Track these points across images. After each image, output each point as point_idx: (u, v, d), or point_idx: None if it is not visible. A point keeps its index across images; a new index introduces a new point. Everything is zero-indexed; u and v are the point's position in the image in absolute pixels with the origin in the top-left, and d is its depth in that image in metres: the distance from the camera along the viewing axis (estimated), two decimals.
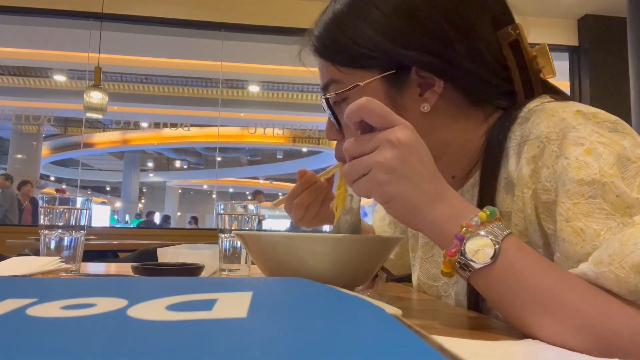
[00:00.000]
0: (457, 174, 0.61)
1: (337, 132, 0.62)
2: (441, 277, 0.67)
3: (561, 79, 4.73)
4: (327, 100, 0.60)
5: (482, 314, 0.56)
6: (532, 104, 0.55)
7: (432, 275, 0.70)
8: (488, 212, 0.43)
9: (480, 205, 0.49)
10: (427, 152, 0.46)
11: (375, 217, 0.89)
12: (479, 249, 0.42)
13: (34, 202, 6.35)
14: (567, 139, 0.46)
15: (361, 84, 0.56)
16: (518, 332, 0.42)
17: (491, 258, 0.41)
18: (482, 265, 0.42)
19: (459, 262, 0.43)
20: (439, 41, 0.54)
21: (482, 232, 0.42)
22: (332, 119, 0.62)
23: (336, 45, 0.58)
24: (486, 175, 0.56)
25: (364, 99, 0.46)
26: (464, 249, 0.42)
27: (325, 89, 0.60)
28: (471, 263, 0.42)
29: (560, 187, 0.45)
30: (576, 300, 0.39)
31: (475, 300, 0.57)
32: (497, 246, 0.42)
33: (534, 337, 0.40)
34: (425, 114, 0.56)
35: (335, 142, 0.64)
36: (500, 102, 0.59)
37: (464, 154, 0.59)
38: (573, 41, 4.71)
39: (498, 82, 0.57)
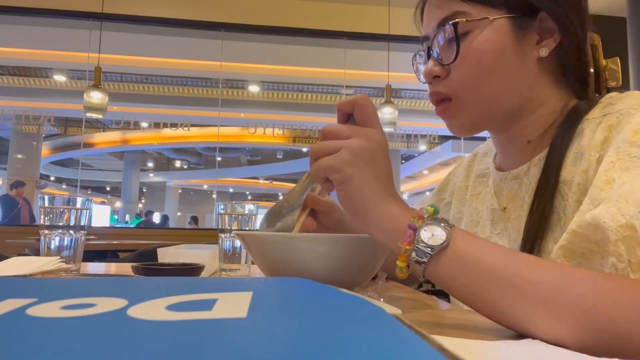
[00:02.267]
0: (533, 140, 0.62)
1: (441, 69, 0.61)
2: None
3: None
4: (443, 32, 0.59)
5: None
6: (613, 93, 0.58)
7: None
8: (433, 209, 0.46)
9: (543, 177, 0.56)
10: (390, 167, 0.50)
11: None
12: (433, 234, 0.44)
13: (27, 200, 6.43)
14: (639, 111, 0.49)
15: (490, 17, 0.57)
16: (518, 332, 0.42)
17: (446, 239, 0.43)
18: (439, 249, 0.43)
19: (415, 251, 0.44)
20: (569, 1, 0.59)
21: (433, 221, 0.44)
22: (438, 55, 0.61)
23: None
24: (555, 149, 0.57)
25: (360, 96, 0.50)
26: (419, 236, 0.44)
27: (445, 21, 0.60)
28: (428, 249, 0.43)
29: (614, 144, 0.48)
30: (537, 273, 0.40)
31: None
32: (448, 229, 0.44)
33: (504, 321, 0.41)
34: (534, 64, 0.59)
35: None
36: (577, 88, 0.62)
37: (547, 120, 0.61)
38: None
39: (583, 65, 0.62)
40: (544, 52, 0.58)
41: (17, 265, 0.67)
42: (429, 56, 0.63)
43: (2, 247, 2.76)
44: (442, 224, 0.44)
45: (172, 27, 4.67)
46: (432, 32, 0.62)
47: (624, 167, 0.44)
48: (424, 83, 0.64)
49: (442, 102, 0.61)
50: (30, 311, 0.18)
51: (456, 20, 0.58)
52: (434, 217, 0.45)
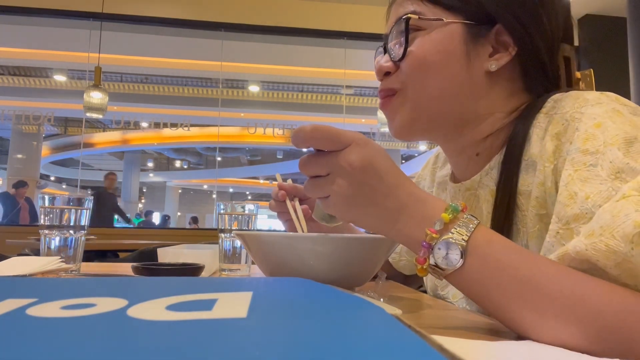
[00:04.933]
0: (481, 152, 0.61)
1: (391, 64, 0.60)
2: None
3: None
4: (397, 29, 0.59)
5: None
6: (555, 95, 0.56)
7: None
8: (450, 210, 0.43)
9: (499, 186, 0.55)
10: (385, 160, 0.46)
11: None
12: (447, 252, 0.42)
13: (29, 201, 6.41)
14: (585, 115, 0.48)
15: (444, 19, 0.57)
16: (518, 332, 0.42)
17: (461, 258, 0.41)
18: (454, 269, 0.42)
19: (432, 270, 0.43)
20: (528, 12, 0.57)
21: (447, 235, 0.42)
22: (392, 48, 0.61)
23: None
24: (508, 158, 0.56)
25: (309, 128, 0.45)
26: (433, 255, 0.42)
27: (399, 19, 0.60)
28: (441, 269, 0.42)
29: (568, 156, 0.47)
30: (552, 287, 0.39)
31: None
32: (464, 245, 0.41)
33: (518, 332, 0.40)
34: (486, 74, 0.58)
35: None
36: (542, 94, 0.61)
37: (495, 132, 0.60)
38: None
39: (550, 79, 0.60)
40: (493, 66, 0.57)
41: (17, 265, 0.67)
42: (385, 50, 0.63)
43: (2, 247, 2.76)
44: (457, 238, 0.42)
45: (172, 27, 4.67)
46: (389, 28, 0.62)
47: (583, 179, 0.44)
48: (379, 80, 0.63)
49: (387, 97, 0.61)
50: (30, 311, 0.18)
51: (409, 16, 0.58)
52: (450, 226, 0.42)
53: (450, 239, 0.42)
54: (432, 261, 0.43)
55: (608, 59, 4.46)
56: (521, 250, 0.42)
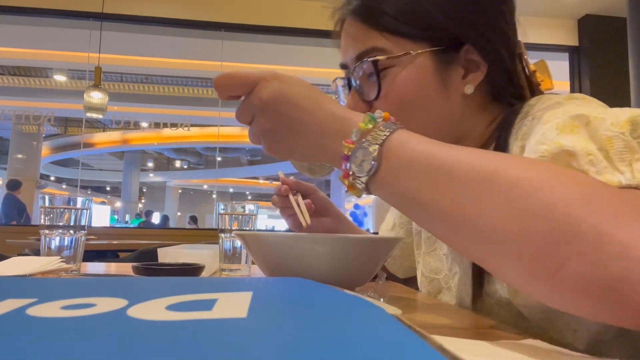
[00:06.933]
0: None
1: (363, 106, 0.59)
2: (442, 269, 0.68)
3: (561, 79, 4.73)
4: (362, 68, 0.57)
5: (488, 302, 0.56)
6: (531, 100, 0.56)
7: (433, 268, 0.70)
8: (367, 119, 0.41)
9: None
10: (299, 88, 0.45)
11: (384, 226, 0.89)
12: (363, 159, 0.40)
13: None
14: (547, 112, 0.47)
15: (412, 52, 0.55)
16: (518, 332, 0.42)
17: (373, 162, 0.39)
18: (371, 174, 0.40)
19: (354, 181, 0.41)
20: (492, 26, 0.57)
21: (363, 143, 0.40)
22: (359, 90, 0.59)
23: (387, 11, 0.56)
24: None
25: (217, 77, 0.46)
26: (350, 166, 0.41)
27: (362, 56, 0.57)
28: (359, 177, 0.41)
29: (526, 153, 0.45)
30: (464, 167, 0.36)
31: (477, 289, 0.57)
32: (377, 148, 0.39)
33: (453, 232, 0.37)
34: (458, 100, 0.57)
35: None
36: (512, 102, 0.60)
37: (481, 147, 0.59)
38: (573, 41, 4.71)
39: (516, 83, 0.60)
40: (469, 89, 0.56)
41: (17, 265, 0.67)
42: (349, 86, 0.61)
43: (2, 247, 2.76)
44: (372, 144, 0.40)
45: (172, 27, 4.67)
46: (350, 63, 0.60)
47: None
48: None
49: None
50: (30, 311, 0.18)
51: (376, 58, 0.56)
52: (367, 134, 0.41)
53: (365, 145, 0.40)
54: (351, 172, 0.41)
55: (608, 59, 4.46)
56: (438, 143, 0.39)
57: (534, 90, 0.63)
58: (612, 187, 0.34)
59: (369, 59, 0.56)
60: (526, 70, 0.63)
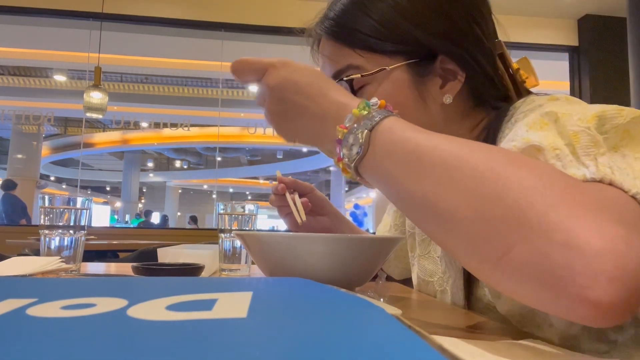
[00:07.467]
0: None
1: None
2: (436, 272, 0.68)
3: (561, 79, 4.73)
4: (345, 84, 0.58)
5: (478, 306, 0.56)
6: (517, 103, 0.56)
7: (428, 271, 0.70)
8: (362, 106, 0.42)
9: None
10: (306, 75, 0.47)
11: (381, 227, 0.89)
12: (352, 144, 0.42)
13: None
14: (529, 112, 0.48)
15: (387, 68, 0.55)
16: (518, 332, 0.42)
17: (360, 147, 0.41)
18: (357, 158, 0.41)
19: (346, 165, 0.43)
20: (466, 34, 0.56)
21: (354, 128, 0.42)
22: None
23: (359, 28, 0.57)
24: None
25: (233, 63, 0.49)
26: (342, 150, 0.43)
27: (339, 74, 0.58)
28: (349, 164, 0.42)
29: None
30: (435, 153, 0.36)
31: (468, 293, 0.57)
32: (365, 133, 0.40)
33: (434, 218, 0.37)
34: (438, 110, 0.57)
35: None
36: (496, 104, 0.60)
37: None
38: (573, 41, 4.71)
39: (498, 85, 0.60)
40: (447, 99, 0.56)
41: (17, 265, 0.67)
42: None
43: (2, 247, 2.76)
44: (361, 129, 0.41)
45: (172, 27, 4.67)
46: None
47: None
48: None
49: None
50: (30, 311, 0.18)
51: (351, 77, 0.56)
52: (360, 120, 0.42)
53: (355, 130, 0.41)
54: (342, 155, 0.43)
55: (608, 59, 4.46)
56: (423, 131, 0.40)
57: (519, 88, 0.63)
58: (573, 178, 0.34)
59: (344, 78, 0.57)
60: (510, 70, 0.62)
